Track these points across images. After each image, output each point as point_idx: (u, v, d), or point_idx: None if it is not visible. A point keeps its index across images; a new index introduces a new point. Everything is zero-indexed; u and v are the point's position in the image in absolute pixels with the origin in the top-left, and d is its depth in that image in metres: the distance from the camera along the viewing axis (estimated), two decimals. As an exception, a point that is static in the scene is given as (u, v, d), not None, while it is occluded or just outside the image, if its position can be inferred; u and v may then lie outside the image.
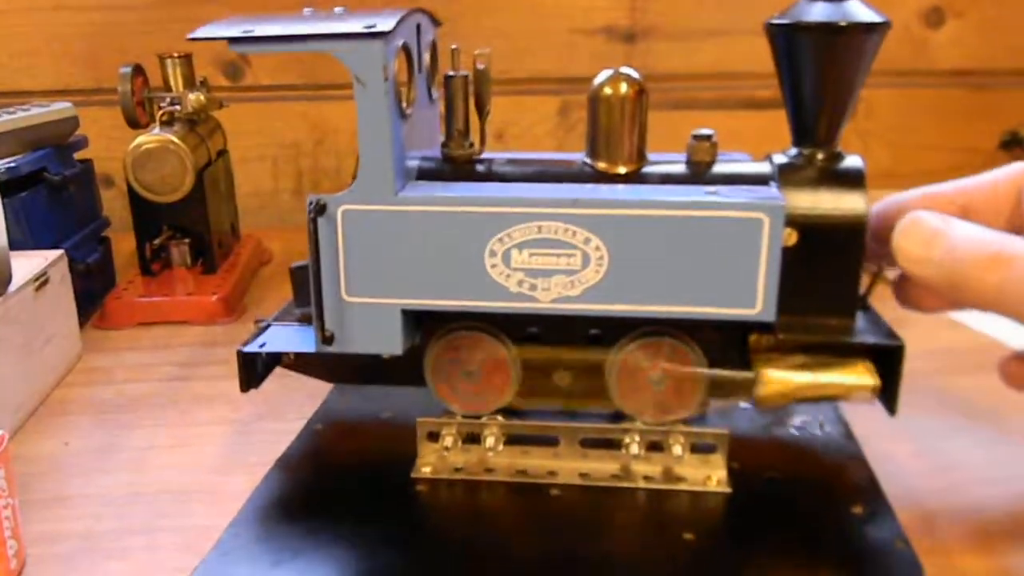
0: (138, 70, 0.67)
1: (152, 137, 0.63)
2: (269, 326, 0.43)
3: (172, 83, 0.68)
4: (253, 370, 0.41)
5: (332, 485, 0.41)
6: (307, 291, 0.39)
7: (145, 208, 0.66)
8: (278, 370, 0.45)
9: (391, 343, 0.38)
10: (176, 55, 0.67)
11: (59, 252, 0.57)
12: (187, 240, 0.68)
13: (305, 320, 0.42)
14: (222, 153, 0.72)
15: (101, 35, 0.81)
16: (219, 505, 0.41)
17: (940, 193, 0.42)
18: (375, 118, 0.36)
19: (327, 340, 0.38)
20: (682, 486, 0.41)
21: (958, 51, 0.87)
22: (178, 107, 0.67)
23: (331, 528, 0.38)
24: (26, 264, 0.54)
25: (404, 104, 0.38)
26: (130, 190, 0.64)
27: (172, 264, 0.69)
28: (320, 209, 0.37)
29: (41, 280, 0.54)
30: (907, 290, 0.41)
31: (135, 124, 0.67)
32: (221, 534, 0.38)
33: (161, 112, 0.66)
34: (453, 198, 0.36)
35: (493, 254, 0.37)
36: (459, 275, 0.37)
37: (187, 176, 0.64)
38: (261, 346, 0.40)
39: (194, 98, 0.66)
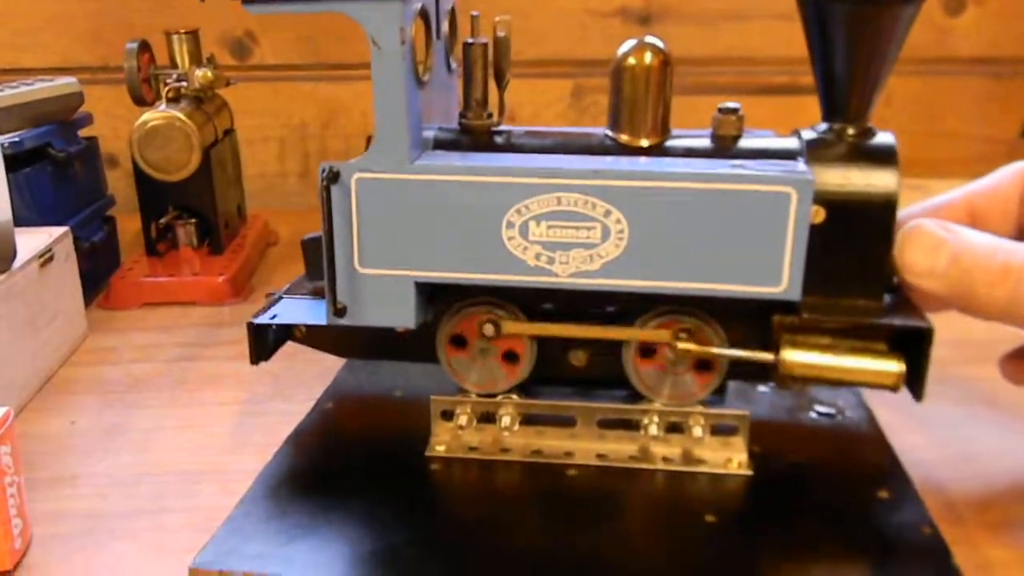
0: (144, 46, 0.65)
1: (158, 114, 0.62)
2: (280, 299, 0.42)
3: (178, 60, 0.66)
4: (264, 343, 0.40)
5: (344, 463, 0.40)
6: (319, 264, 0.38)
7: (151, 187, 0.65)
8: (287, 349, 0.44)
9: (405, 316, 0.37)
10: (183, 31, 0.66)
11: (64, 229, 0.56)
12: (193, 220, 0.67)
13: (317, 293, 0.41)
14: (229, 132, 0.71)
15: (106, 12, 0.80)
16: (228, 484, 0.40)
17: (947, 204, 0.41)
18: (391, 83, 0.35)
19: (339, 313, 0.37)
20: (702, 468, 0.40)
21: (979, 39, 0.86)
22: (184, 84, 0.66)
23: (344, 506, 0.37)
24: (30, 240, 0.53)
25: (421, 71, 0.37)
26: (136, 168, 0.63)
27: (178, 244, 0.67)
28: (333, 177, 0.36)
29: (46, 257, 0.53)
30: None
31: (141, 101, 0.65)
32: (231, 511, 0.37)
33: (167, 89, 0.65)
34: (471, 167, 0.35)
35: (511, 226, 0.36)
36: (475, 247, 0.36)
37: (193, 154, 0.63)
38: (272, 318, 0.39)
39: (201, 74, 0.65)
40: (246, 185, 0.75)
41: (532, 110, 0.84)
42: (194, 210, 0.67)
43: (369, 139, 0.38)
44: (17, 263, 0.50)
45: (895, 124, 0.89)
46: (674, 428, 0.40)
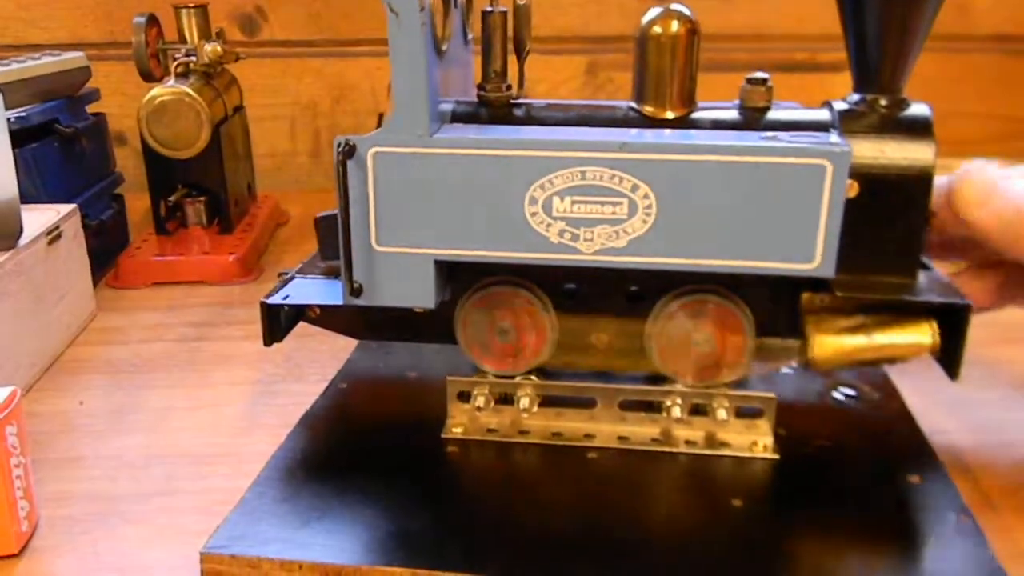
0: (152, 20, 0.64)
1: (167, 89, 0.61)
2: (293, 278, 0.40)
3: (187, 34, 0.65)
4: (277, 323, 0.39)
5: (359, 445, 0.39)
6: (333, 242, 0.37)
7: (160, 164, 0.64)
8: (299, 329, 0.43)
9: (423, 296, 0.36)
10: (191, 4, 0.64)
11: (72, 206, 0.54)
12: (203, 198, 0.66)
13: (331, 272, 0.40)
14: (238, 109, 0.70)
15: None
16: (240, 466, 0.39)
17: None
18: (409, 53, 0.33)
19: (355, 292, 0.36)
20: (726, 451, 0.38)
21: (1000, 15, 0.84)
22: (193, 59, 0.64)
23: (359, 488, 0.36)
24: (38, 217, 0.52)
25: (440, 39, 0.36)
26: (144, 146, 0.62)
27: (187, 223, 0.66)
28: (349, 151, 0.34)
29: (54, 234, 0.51)
30: (963, 283, 0.40)
31: (149, 77, 0.64)
32: (244, 493, 0.36)
33: (176, 64, 0.64)
34: (492, 140, 0.34)
35: (534, 201, 0.34)
36: (497, 224, 0.35)
37: (203, 130, 0.62)
38: (285, 298, 0.38)
39: (210, 49, 0.64)
40: (256, 165, 0.74)
41: (547, 87, 0.83)
42: (203, 188, 0.66)
43: (381, 116, 0.37)
44: (24, 240, 0.49)
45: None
46: (697, 410, 0.39)
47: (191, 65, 0.64)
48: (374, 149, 0.34)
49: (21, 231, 0.48)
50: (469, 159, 0.34)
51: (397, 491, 0.36)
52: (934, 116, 0.36)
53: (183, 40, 0.65)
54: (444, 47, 0.36)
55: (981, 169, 0.38)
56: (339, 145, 0.34)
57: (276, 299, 0.38)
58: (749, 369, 0.39)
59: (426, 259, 0.36)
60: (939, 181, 0.36)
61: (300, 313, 0.41)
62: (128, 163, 0.77)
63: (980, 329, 0.53)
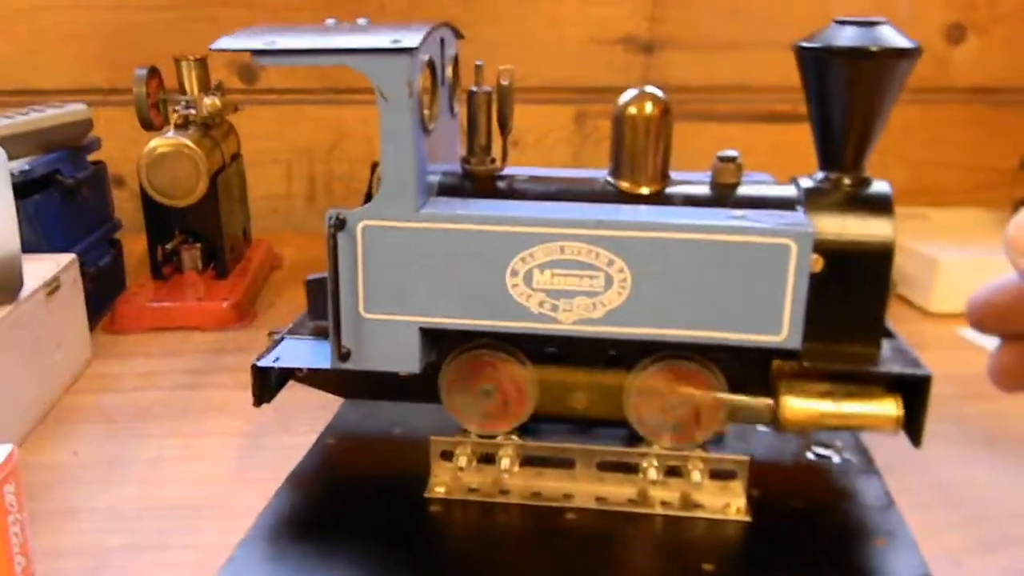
0: (153, 72, 0.66)
1: (166, 140, 0.63)
2: (283, 339, 0.42)
3: (187, 86, 0.67)
4: (267, 384, 0.41)
5: (344, 503, 0.41)
6: (322, 304, 0.39)
7: (157, 211, 0.66)
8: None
9: (408, 361, 0.38)
10: (192, 58, 0.66)
11: (71, 256, 0.56)
12: (199, 244, 0.68)
13: (319, 333, 0.41)
14: (236, 157, 0.72)
15: (118, 35, 0.81)
16: (230, 521, 0.40)
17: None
18: (399, 133, 0.35)
19: (344, 357, 0.38)
20: (700, 513, 0.40)
21: (979, 68, 0.86)
22: (193, 111, 0.66)
23: (344, 548, 0.37)
24: (38, 268, 0.53)
25: (427, 118, 0.37)
26: (143, 193, 0.64)
27: (183, 268, 0.68)
28: (340, 224, 0.36)
29: (52, 286, 0.53)
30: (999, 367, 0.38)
31: (150, 126, 0.66)
32: (232, 552, 0.37)
33: (176, 115, 0.66)
34: (476, 216, 0.36)
35: (515, 274, 0.36)
36: (480, 294, 0.36)
37: (200, 181, 0.64)
38: (276, 360, 0.40)
39: (209, 103, 0.66)
40: (252, 207, 0.76)
41: (536, 136, 0.85)
42: (200, 235, 0.68)
43: (375, 164, 0.39)
44: (24, 292, 0.50)
45: (895, 153, 0.90)
46: (673, 472, 0.41)
47: (190, 117, 0.66)
48: (363, 222, 0.36)
49: (22, 285, 0.50)
50: (454, 233, 0.36)
51: (380, 552, 0.37)
52: (893, 194, 0.38)
53: (183, 91, 0.67)
54: (432, 126, 0.38)
55: None
56: (330, 218, 0.36)
57: (267, 362, 0.40)
58: (724, 428, 0.41)
59: (411, 326, 0.37)
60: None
61: (290, 372, 0.43)
62: (127, 205, 0.78)
63: (950, 385, 0.55)
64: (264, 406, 0.41)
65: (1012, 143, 0.87)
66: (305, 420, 0.50)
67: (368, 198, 0.37)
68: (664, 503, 0.40)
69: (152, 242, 0.67)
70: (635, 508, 0.40)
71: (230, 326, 0.64)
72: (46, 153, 0.61)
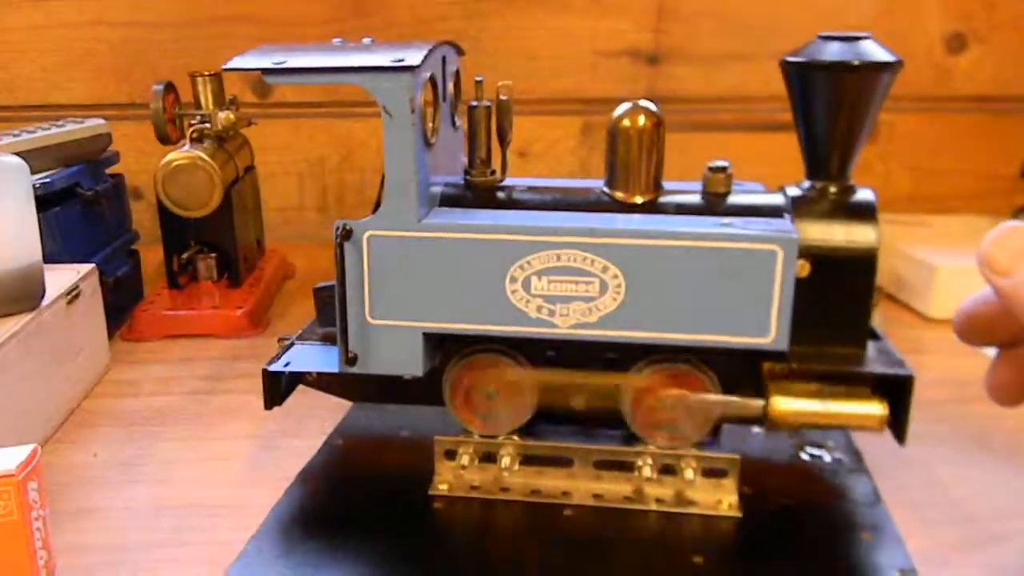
0: (170, 87, 0.68)
1: (182, 154, 0.65)
2: (293, 344, 0.44)
3: (203, 101, 0.69)
4: (277, 388, 0.42)
5: (351, 500, 0.42)
6: (331, 311, 0.40)
7: (174, 222, 0.68)
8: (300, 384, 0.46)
9: (413, 365, 0.39)
10: (207, 73, 0.68)
11: (90, 266, 0.58)
12: (214, 254, 0.70)
13: (328, 339, 0.43)
14: (249, 169, 0.74)
15: (135, 51, 0.84)
16: (242, 519, 0.42)
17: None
18: (401, 148, 0.37)
19: (351, 361, 0.39)
20: (693, 509, 0.41)
21: (980, 77, 0.87)
22: (208, 125, 0.68)
23: (351, 543, 0.39)
24: (59, 277, 0.55)
25: (429, 133, 0.39)
26: (159, 205, 0.66)
27: (198, 278, 0.70)
28: (347, 234, 0.38)
29: (73, 294, 0.55)
30: (995, 383, 0.39)
31: (166, 140, 0.68)
32: (244, 547, 0.39)
33: (191, 130, 0.68)
34: (475, 225, 0.38)
35: (514, 280, 0.38)
36: (480, 300, 0.38)
37: (215, 192, 0.66)
38: (286, 365, 0.42)
39: (224, 117, 0.68)
40: (266, 218, 0.78)
41: (543, 146, 0.87)
42: (214, 245, 0.70)
43: (384, 176, 0.41)
44: (45, 301, 0.52)
45: (897, 159, 0.92)
46: (668, 470, 0.42)
47: (205, 131, 0.68)
48: (368, 233, 0.38)
49: (44, 293, 0.52)
50: (455, 242, 0.38)
51: (386, 546, 0.39)
52: (878, 201, 0.39)
53: (199, 106, 0.69)
54: (433, 140, 0.40)
55: (1015, 231, 0.35)
56: (338, 229, 0.38)
57: (277, 366, 0.42)
58: (716, 430, 0.42)
59: (416, 331, 0.39)
60: None
61: (300, 377, 0.44)
62: (144, 216, 0.81)
63: (945, 388, 0.56)
64: (275, 410, 0.43)
65: (1013, 151, 0.88)
66: (316, 423, 0.51)
67: (377, 208, 0.39)
68: (659, 500, 0.42)
69: (168, 252, 0.69)
70: (631, 505, 0.42)
71: (244, 333, 0.66)
72: (66, 166, 0.63)
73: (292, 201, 0.88)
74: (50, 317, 0.52)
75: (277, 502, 0.42)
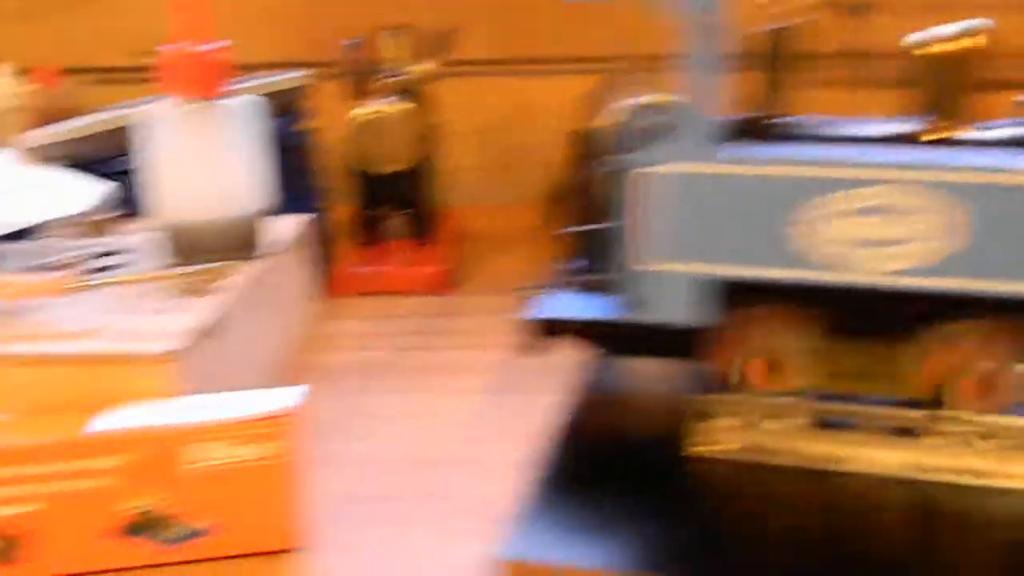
0: (359, 44, 0.67)
1: (372, 109, 0.63)
2: (544, 293, 0.41)
3: (391, 56, 0.68)
4: (536, 337, 0.40)
5: (612, 460, 0.39)
6: (593, 255, 0.38)
7: (364, 180, 0.66)
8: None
9: (695, 314, 0.36)
10: (396, 27, 0.67)
11: (305, 217, 0.57)
12: (405, 211, 0.68)
13: (588, 286, 0.40)
14: (436, 126, 0.72)
15: (321, 7, 0.83)
16: (487, 474, 0.41)
17: None
18: (703, 67, 0.33)
19: (626, 308, 0.36)
20: (999, 483, 0.37)
21: None
22: (396, 79, 0.67)
23: (631, 500, 0.36)
24: (278, 227, 0.54)
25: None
26: (349, 161, 0.64)
27: (390, 235, 0.69)
28: (628, 168, 0.35)
29: (287, 245, 0.54)
30: None
31: (356, 96, 0.67)
32: (509, 505, 0.36)
33: (381, 84, 0.66)
34: (785, 158, 0.34)
35: (820, 221, 0.34)
36: (779, 244, 0.34)
37: (406, 148, 0.64)
38: (550, 312, 0.39)
39: (415, 70, 0.66)
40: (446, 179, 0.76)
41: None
42: (406, 202, 0.68)
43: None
44: (271, 250, 0.51)
45: None
46: (966, 439, 0.37)
47: (398, 84, 0.66)
48: (657, 167, 0.35)
49: (258, 245, 0.51)
50: (755, 179, 0.34)
51: (659, 506, 0.36)
52: None
53: (388, 61, 0.68)
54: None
55: None
56: (616, 163, 0.35)
57: (541, 314, 0.39)
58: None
59: (699, 278, 0.36)
60: None
61: (555, 327, 0.41)
62: (332, 173, 0.80)
63: None
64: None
65: None
66: (536, 380, 0.49)
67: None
68: (956, 471, 0.37)
69: (359, 209, 0.68)
70: (921, 475, 0.37)
71: (438, 291, 0.64)
72: (272, 118, 0.63)
73: (470, 162, 0.86)
74: (264, 267, 0.51)
75: (535, 460, 0.39)
